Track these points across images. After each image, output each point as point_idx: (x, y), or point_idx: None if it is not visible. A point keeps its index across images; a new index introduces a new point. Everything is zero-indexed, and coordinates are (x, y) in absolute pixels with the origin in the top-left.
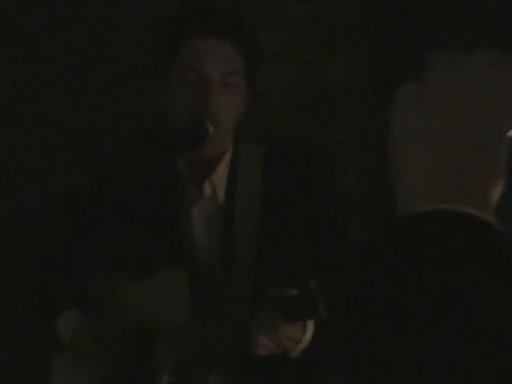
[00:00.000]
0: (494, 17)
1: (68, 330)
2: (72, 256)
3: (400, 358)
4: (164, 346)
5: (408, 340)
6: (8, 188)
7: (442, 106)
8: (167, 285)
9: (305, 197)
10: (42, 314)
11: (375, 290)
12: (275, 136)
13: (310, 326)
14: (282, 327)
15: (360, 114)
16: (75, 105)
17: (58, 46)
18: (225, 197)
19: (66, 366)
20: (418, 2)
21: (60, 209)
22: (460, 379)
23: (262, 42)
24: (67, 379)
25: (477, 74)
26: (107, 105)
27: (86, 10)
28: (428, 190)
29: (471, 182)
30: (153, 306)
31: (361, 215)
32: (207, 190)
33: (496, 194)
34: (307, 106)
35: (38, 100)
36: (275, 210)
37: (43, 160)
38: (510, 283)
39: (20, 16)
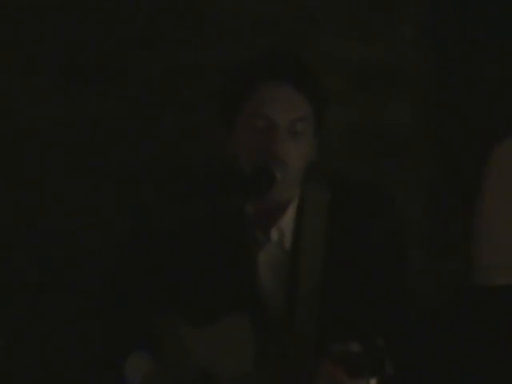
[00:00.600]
0: None
1: (138, 372)
2: (138, 299)
3: None
4: None
5: None
6: (71, 230)
7: None
8: (232, 331)
9: (370, 246)
10: (108, 355)
11: (447, 353)
12: (340, 181)
13: (373, 382)
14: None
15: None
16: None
17: (132, 84)
18: (291, 243)
19: None
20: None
21: (129, 252)
22: None
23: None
24: None
25: None
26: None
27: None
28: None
29: None
30: (217, 352)
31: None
32: (274, 235)
33: None
34: (369, 147)
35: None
36: (340, 258)
37: (107, 200)
38: None
39: (98, 55)
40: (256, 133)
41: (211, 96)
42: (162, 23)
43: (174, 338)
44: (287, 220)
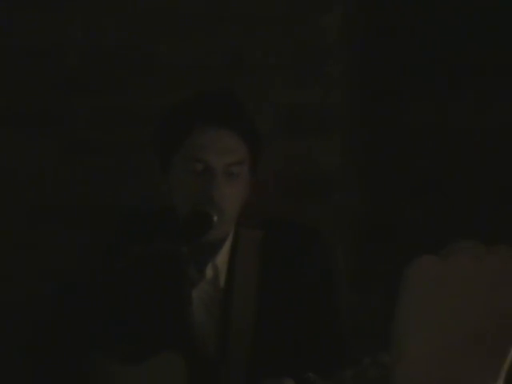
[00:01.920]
0: None
1: None
2: (73, 337)
3: None
4: None
5: None
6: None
7: (460, 296)
8: (165, 369)
9: (303, 284)
10: None
11: None
12: (272, 219)
13: None
14: None
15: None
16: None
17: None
18: (225, 281)
19: None
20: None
21: (65, 289)
22: None
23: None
24: None
25: (501, 267)
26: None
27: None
28: (423, 379)
29: (468, 378)
30: None
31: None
32: (209, 273)
33: None
34: (296, 187)
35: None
36: (273, 297)
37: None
38: None
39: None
40: (193, 176)
41: (147, 136)
42: (94, 65)
43: (106, 377)
44: (222, 257)
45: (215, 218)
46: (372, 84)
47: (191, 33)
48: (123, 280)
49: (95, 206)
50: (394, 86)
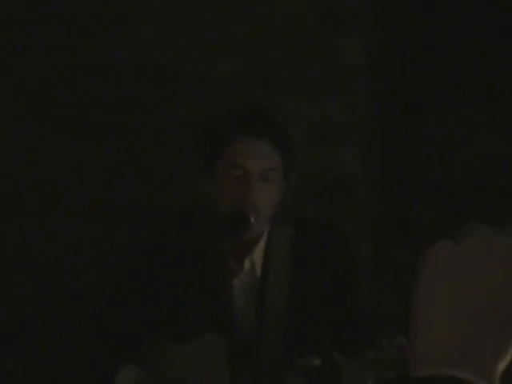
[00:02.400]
0: None
1: (130, 381)
2: (131, 319)
3: None
4: None
5: None
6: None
7: (472, 276)
8: (209, 348)
9: (328, 273)
10: (100, 365)
11: None
12: (301, 219)
13: None
14: None
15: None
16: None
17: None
18: (261, 271)
19: None
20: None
21: (123, 280)
22: None
23: None
24: None
25: (507, 249)
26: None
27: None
28: (438, 353)
29: (480, 350)
30: (196, 366)
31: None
32: (247, 264)
33: (502, 365)
34: (322, 190)
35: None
36: (302, 284)
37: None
38: None
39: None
40: (232, 180)
41: (191, 147)
42: (143, 85)
43: (159, 353)
44: (258, 252)
45: (252, 219)
46: (391, 100)
47: (231, 54)
48: (175, 270)
49: (148, 207)
50: (410, 103)
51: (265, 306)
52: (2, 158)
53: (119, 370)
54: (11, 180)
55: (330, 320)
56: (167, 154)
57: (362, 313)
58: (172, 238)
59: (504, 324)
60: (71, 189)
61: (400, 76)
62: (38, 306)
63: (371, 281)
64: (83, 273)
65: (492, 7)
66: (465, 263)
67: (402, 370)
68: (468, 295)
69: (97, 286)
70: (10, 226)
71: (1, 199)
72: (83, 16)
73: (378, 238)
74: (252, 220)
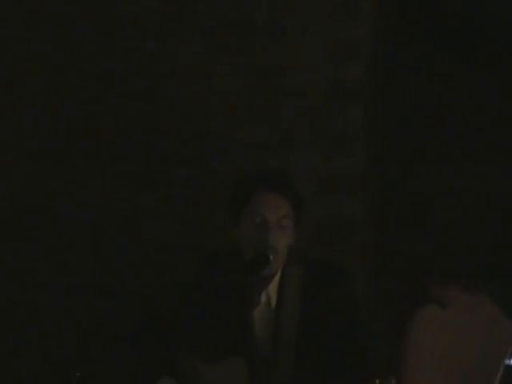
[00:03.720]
0: None
1: None
2: (168, 337)
3: None
4: None
5: None
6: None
7: (458, 337)
8: (232, 367)
9: (333, 307)
10: (145, 376)
11: None
12: (310, 259)
13: None
14: None
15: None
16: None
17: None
18: (276, 304)
19: None
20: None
21: (163, 308)
22: None
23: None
24: None
25: (493, 307)
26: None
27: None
28: None
29: None
30: (218, 383)
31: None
32: (264, 298)
33: None
34: (327, 232)
35: None
36: (311, 316)
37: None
38: None
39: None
40: (254, 226)
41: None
42: (183, 143)
43: (190, 370)
44: (273, 287)
45: (271, 257)
46: (387, 156)
47: (257, 120)
48: (208, 301)
49: (185, 246)
50: (405, 157)
51: (279, 333)
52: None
53: (159, 381)
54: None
55: (333, 348)
56: (202, 202)
57: (362, 344)
58: (206, 273)
59: (488, 379)
60: (123, 229)
61: (396, 138)
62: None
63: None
64: (128, 298)
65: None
66: (452, 326)
67: None
68: (454, 354)
69: (141, 310)
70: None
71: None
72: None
73: (374, 271)
74: (271, 259)
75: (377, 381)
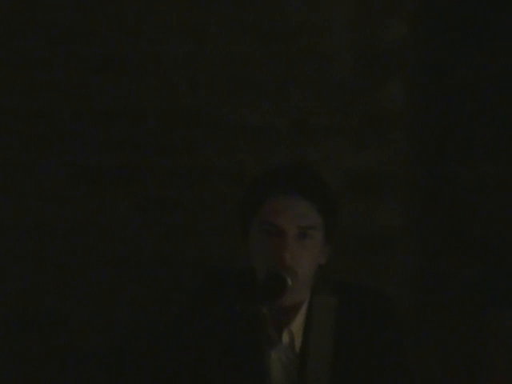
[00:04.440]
0: None
1: None
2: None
3: None
4: None
5: None
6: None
7: None
8: None
9: (374, 349)
10: None
11: None
12: (346, 285)
13: None
14: None
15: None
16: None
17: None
18: (301, 346)
19: None
20: None
21: (167, 346)
22: None
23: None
24: None
25: None
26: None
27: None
28: None
29: None
30: None
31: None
32: (285, 338)
33: None
34: (361, 245)
35: None
36: (347, 362)
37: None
38: None
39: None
40: (267, 239)
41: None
42: (171, 131)
43: None
44: (298, 323)
45: (289, 281)
46: (431, 151)
47: (265, 98)
48: (206, 338)
49: (172, 263)
50: (452, 154)
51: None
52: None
53: None
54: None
55: None
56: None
57: None
58: (205, 300)
59: None
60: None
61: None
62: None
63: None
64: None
65: None
66: None
67: None
68: None
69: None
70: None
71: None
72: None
73: (418, 297)
74: (289, 282)
75: None
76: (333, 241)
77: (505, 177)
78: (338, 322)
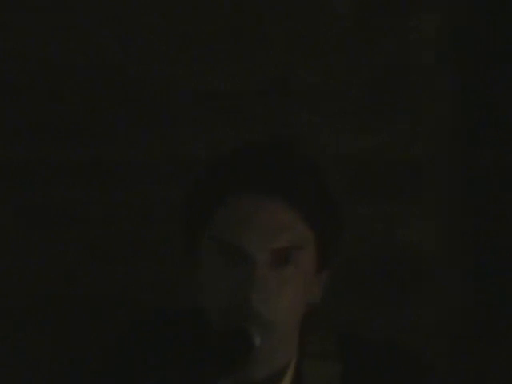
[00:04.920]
0: None
1: None
2: None
3: None
4: None
5: None
6: None
7: None
8: None
9: None
10: None
11: None
12: (352, 341)
13: None
14: None
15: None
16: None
17: None
18: None
19: None
20: None
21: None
22: None
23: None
24: None
25: None
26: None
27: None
28: None
29: None
30: None
31: None
32: None
33: None
34: (374, 278)
35: None
36: None
37: None
38: None
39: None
40: (222, 267)
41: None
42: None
43: None
44: None
45: (257, 340)
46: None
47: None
48: None
49: (115, 302)
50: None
51: None
52: None
53: None
54: None
55: None
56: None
57: None
58: (133, 355)
59: None
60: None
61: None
62: None
63: None
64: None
65: None
66: None
67: None
68: None
69: None
70: None
71: None
72: None
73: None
74: (257, 342)
75: None
76: (330, 265)
77: None
78: None
